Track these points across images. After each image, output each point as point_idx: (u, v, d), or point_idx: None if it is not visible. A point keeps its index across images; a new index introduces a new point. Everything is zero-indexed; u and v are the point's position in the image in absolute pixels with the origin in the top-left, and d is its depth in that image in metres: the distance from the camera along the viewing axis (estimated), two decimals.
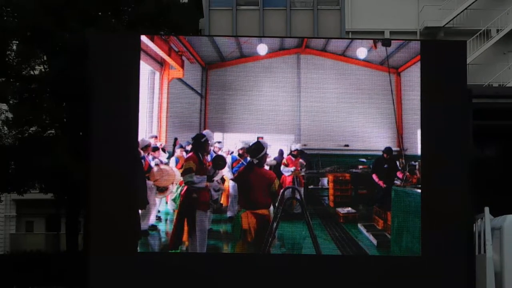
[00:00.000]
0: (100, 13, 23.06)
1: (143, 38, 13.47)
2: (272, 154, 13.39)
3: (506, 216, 12.46)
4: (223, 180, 13.42)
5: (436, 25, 31.30)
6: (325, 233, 13.22)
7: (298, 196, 13.38)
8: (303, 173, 13.50)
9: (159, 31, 22.53)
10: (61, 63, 21.90)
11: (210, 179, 13.30)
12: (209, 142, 13.29)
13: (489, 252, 12.26)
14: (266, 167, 13.39)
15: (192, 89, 13.49)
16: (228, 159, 13.43)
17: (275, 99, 13.42)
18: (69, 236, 24.88)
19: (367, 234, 13.27)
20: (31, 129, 23.20)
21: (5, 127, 23.35)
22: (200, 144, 13.24)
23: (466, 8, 31.26)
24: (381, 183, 13.47)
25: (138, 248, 12.99)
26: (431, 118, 13.31)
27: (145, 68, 13.39)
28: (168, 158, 13.32)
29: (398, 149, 13.43)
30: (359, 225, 13.36)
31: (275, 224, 13.14)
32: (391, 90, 13.53)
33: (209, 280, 12.89)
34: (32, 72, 23.44)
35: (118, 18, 23.18)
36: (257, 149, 13.31)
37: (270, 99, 13.41)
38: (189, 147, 13.27)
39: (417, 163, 13.34)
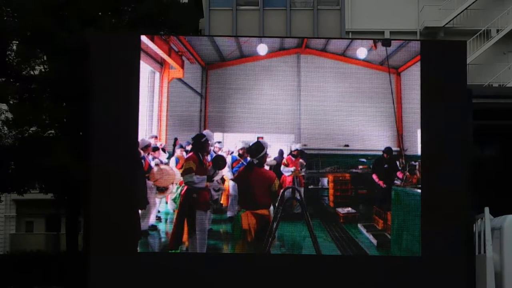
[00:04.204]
0: (100, 13, 23.06)
1: (143, 38, 13.47)
2: (272, 154, 13.39)
3: (506, 216, 12.46)
4: (223, 180, 13.42)
5: (436, 25, 31.31)
6: (325, 233, 13.22)
7: (298, 196, 13.37)
8: (303, 173, 13.50)
9: (159, 31, 22.52)
10: (61, 63, 21.89)
11: (210, 179, 13.30)
12: (209, 142, 13.29)
13: (489, 252, 12.26)
14: (266, 167, 13.39)
15: (192, 89, 13.49)
16: (228, 159, 13.43)
17: (275, 99, 13.42)
18: (69, 236, 24.87)
19: (367, 234, 13.26)
20: (31, 129, 23.20)
21: (5, 127, 23.35)
22: (200, 144, 13.24)
23: (466, 8, 31.27)
24: (381, 183, 13.47)
25: (138, 248, 12.99)
26: (431, 118, 13.31)
27: (145, 68, 13.38)
28: (168, 158, 13.31)
29: (398, 149, 13.43)
30: (359, 225, 13.36)
31: (275, 224, 13.14)
32: (391, 90, 13.53)
33: (209, 280, 12.89)
34: (32, 72, 23.43)
35: (118, 18, 23.18)
36: (257, 149, 13.31)
37: (270, 99, 13.41)
38: (189, 147, 13.27)
39: (417, 163, 13.34)
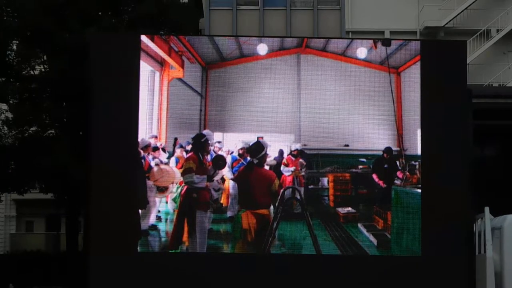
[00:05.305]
0: (100, 13, 23.07)
1: (143, 38, 13.47)
2: (272, 154, 13.39)
3: (506, 216, 12.46)
4: (223, 180, 13.42)
5: (436, 25, 31.28)
6: (325, 233, 13.22)
7: (298, 196, 13.38)
8: (303, 173, 13.50)
9: (159, 31, 22.53)
10: (61, 63, 21.91)
11: (210, 179, 13.30)
12: (209, 142, 13.30)
13: (489, 252, 12.26)
14: (266, 167, 13.39)
15: (192, 89, 13.49)
16: (228, 159, 13.43)
17: (275, 99, 13.42)
18: (69, 236, 24.88)
19: (367, 234, 13.27)
20: (31, 129, 23.22)
21: (5, 127, 23.36)
22: (200, 144, 13.24)
23: (466, 8, 31.24)
24: (381, 183, 13.47)
25: (138, 248, 12.99)
26: (431, 118, 13.31)
27: (145, 68, 13.39)
28: (168, 158, 13.32)
29: (398, 149, 13.43)
30: (359, 225, 13.36)
31: (275, 224, 13.14)
32: (391, 90, 13.53)
33: (209, 280, 12.89)
34: (32, 72, 23.45)
35: (118, 18, 23.19)
36: (257, 149, 13.31)
37: (270, 99, 13.41)
38: (189, 147, 13.28)
39: (417, 163, 13.34)
